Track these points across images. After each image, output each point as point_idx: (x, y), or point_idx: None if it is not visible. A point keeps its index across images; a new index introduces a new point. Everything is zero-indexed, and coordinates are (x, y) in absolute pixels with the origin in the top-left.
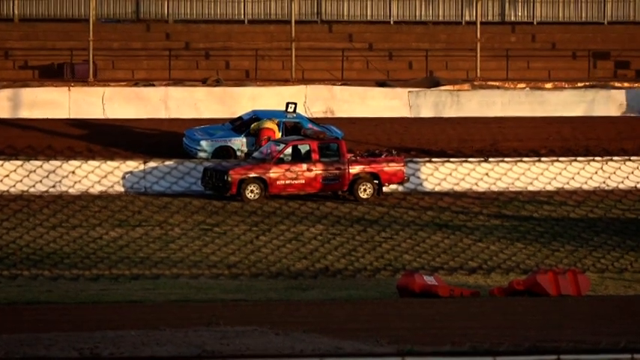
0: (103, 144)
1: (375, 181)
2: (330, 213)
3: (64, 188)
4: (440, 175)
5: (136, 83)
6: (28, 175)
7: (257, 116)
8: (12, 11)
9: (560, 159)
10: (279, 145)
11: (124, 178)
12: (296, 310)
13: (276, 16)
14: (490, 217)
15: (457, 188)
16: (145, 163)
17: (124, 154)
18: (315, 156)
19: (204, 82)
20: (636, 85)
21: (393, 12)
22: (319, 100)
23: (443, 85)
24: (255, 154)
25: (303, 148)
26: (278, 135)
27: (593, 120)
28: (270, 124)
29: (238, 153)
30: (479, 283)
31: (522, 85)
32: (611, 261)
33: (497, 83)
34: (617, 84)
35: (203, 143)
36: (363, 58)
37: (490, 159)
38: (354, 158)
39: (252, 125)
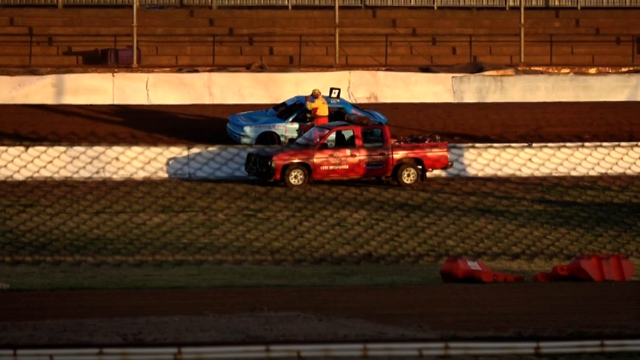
0: (146, 130)
1: (419, 167)
2: (373, 198)
3: (107, 174)
4: (483, 161)
5: (180, 69)
6: (71, 162)
7: (300, 102)
8: None
9: (604, 144)
10: (322, 131)
11: (167, 164)
12: (339, 295)
13: (320, 2)
14: (533, 202)
15: (500, 173)
16: (188, 149)
17: (168, 140)
18: (358, 141)
19: (247, 68)
20: None
21: None
22: (363, 86)
23: (486, 70)
24: (299, 139)
25: (347, 133)
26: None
27: (636, 105)
28: (322, 106)
29: (282, 139)
30: (522, 268)
31: (566, 70)
32: None
33: (540, 68)
34: None
35: (247, 129)
36: (407, 43)
37: (533, 144)
38: (397, 143)
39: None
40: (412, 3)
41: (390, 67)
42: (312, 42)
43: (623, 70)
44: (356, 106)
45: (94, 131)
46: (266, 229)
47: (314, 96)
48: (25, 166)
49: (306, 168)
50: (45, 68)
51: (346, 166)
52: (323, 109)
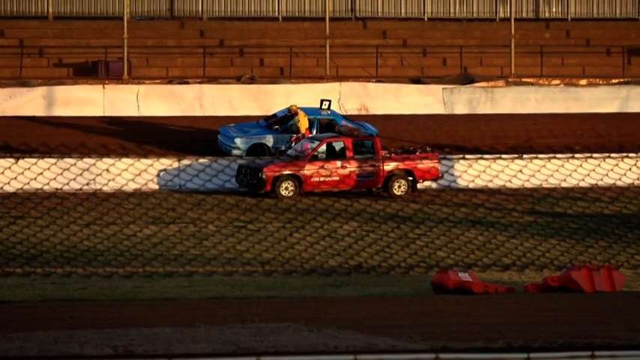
0: (137, 141)
1: (410, 178)
2: (364, 210)
3: (98, 186)
4: (474, 172)
5: (171, 81)
6: (61, 173)
7: (291, 113)
8: (46, 9)
9: (594, 155)
10: (313, 143)
11: (158, 175)
12: (330, 306)
13: (311, 13)
14: (524, 213)
15: (491, 185)
16: (179, 160)
17: (158, 152)
18: (349, 153)
19: (238, 80)
20: None
21: (427, 9)
22: (353, 97)
23: (477, 81)
24: (290, 151)
25: (338, 145)
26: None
27: (627, 116)
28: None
29: (273, 150)
30: (513, 279)
31: (557, 81)
32: None
33: (531, 80)
34: None
35: (237, 140)
36: (397, 54)
37: (524, 155)
38: (388, 155)
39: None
40: (402, 14)
41: (380, 79)
42: (303, 53)
43: (614, 81)
44: (347, 117)
45: (84, 143)
46: (257, 241)
47: (291, 112)
48: (15, 178)
49: (297, 179)
50: (35, 80)
51: (337, 178)
52: (304, 123)
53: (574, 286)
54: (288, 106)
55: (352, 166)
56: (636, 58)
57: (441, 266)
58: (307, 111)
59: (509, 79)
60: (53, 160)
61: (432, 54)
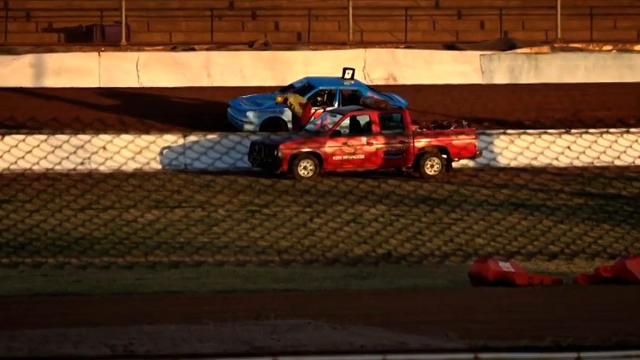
0: (137, 116)
1: (444, 156)
2: (392, 191)
3: (93, 165)
4: (516, 149)
5: (174, 47)
6: (53, 151)
7: (310, 84)
8: None
9: None
10: (335, 116)
11: (161, 153)
12: (355, 300)
13: None
14: (573, 195)
15: (535, 163)
16: (184, 136)
17: (161, 127)
18: (375, 128)
19: (250, 46)
20: None
21: None
22: (380, 65)
23: (519, 47)
24: (309, 126)
25: (363, 119)
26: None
27: None
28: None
29: (289, 125)
30: (561, 269)
31: (608, 47)
32: None
33: (580, 45)
34: None
35: (250, 114)
36: (429, 17)
37: (572, 130)
38: (419, 130)
39: (281, 97)
40: None
41: (410, 45)
42: (323, 16)
43: None
44: (372, 88)
45: (78, 117)
46: (272, 227)
47: (279, 104)
48: (0, 157)
49: (317, 158)
50: (22, 47)
51: (362, 156)
52: (296, 103)
53: (629, 276)
54: (305, 75)
55: (379, 143)
56: None
57: (479, 255)
58: (328, 81)
59: (555, 45)
60: (43, 137)
61: (468, 16)
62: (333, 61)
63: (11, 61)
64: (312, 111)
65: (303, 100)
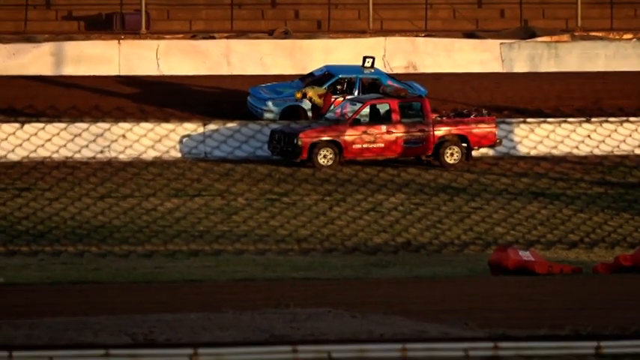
0: (157, 104)
1: (463, 145)
2: (412, 180)
3: (113, 154)
4: (536, 138)
5: (194, 35)
6: (72, 140)
7: (330, 72)
8: None
9: None
10: (355, 105)
11: (180, 142)
12: (375, 289)
13: None
14: (593, 184)
15: (555, 152)
16: (204, 125)
17: (181, 116)
18: (395, 116)
19: (270, 34)
20: None
21: None
22: (400, 54)
23: (539, 35)
24: (329, 114)
25: (382, 107)
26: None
27: None
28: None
29: (309, 113)
30: (580, 258)
31: (629, 35)
32: None
33: (600, 34)
34: None
35: (270, 103)
36: (449, 5)
37: (592, 119)
38: (439, 119)
39: (299, 93)
40: None
41: (430, 33)
42: (343, 4)
43: None
44: (392, 76)
45: (98, 105)
46: (292, 215)
47: (299, 99)
48: (20, 145)
49: (337, 146)
50: (42, 35)
51: (382, 144)
52: (315, 96)
53: None
54: (325, 64)
55: (399, 131)
56: None
57: (499, 244)
58: (348, 69)
59: (576, 33)
60: (63, 125)
61: (488, 5)
62: (353, 49)
63: (31, 50)
64: (332, 99)
65: (322, 90)
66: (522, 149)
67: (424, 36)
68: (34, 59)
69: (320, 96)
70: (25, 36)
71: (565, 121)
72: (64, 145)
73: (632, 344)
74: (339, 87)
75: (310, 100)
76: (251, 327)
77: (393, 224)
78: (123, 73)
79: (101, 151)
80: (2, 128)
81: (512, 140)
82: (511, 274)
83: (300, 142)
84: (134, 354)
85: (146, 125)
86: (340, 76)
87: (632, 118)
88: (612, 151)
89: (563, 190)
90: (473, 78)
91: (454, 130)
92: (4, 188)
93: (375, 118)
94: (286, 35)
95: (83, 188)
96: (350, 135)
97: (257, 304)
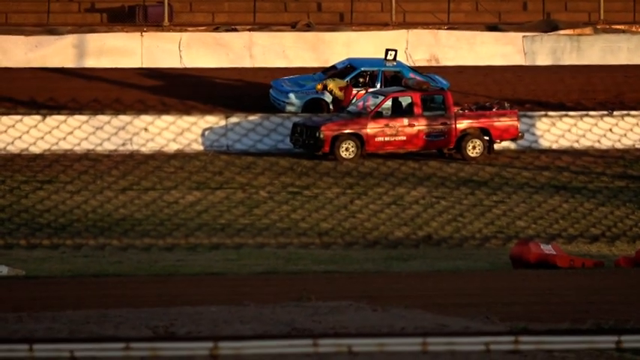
0: (179, 97)
1: (485, 138)
2: (433, 174)
3: (135, 147)
4: (558, 131)
5: (217, 28)
6: (94, 132)
7: (352, 65)
8: None
9: None
10: (377, 98)
11: (202, 135)
12: (396, 282)
13: None
14: (614, 177)
15: (577, 145)
16: (226, 118)
17: (203, 108)
18: (417, 109)
19: (293, 27)
20: None
21: None
22: (422, 47)
23: (561, 28)
24: (351, 107)
25: (404, 100)
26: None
27: None
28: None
29: (331, 106)
30: (602, 252)
31: None
32: None
33: (623, 27)
34: None
35: (292, 95)
36: None
37: (615, 112)
38: (461, 112)
39: (320, 85)
40: None
41: (452, 26)
42: None
43: None
44: (414, 69)
45: (119, 98)
46: (313, 209)
47: (319, 92)
48: (42, 138)
49: (359, 139)
50: (65, 27)
51: (403, 137)
52: (337, 88)
53: None
54: (347, 56)
55: (421, 125)
56: None
57: (520, 237)
58: (370, 62)
59: (598, 26)
60: (84, 118)
61: None
62: (376, 42)
63: (53, 42)
64: (354, 92)
65: (343, 83)
66: (544, 143)
67: (446, 29)
68: (56, 51)
69: (341, 89)
70: (48, 28)
71: (587, 115)
72: (86, 138)
73: None
74: (361, 80)
75: (331, 92)
76: (272, 320)
77: (414, 218)
78: (145, 65)
79: (123, 144)
80: (24, 121)
81: (533, 134)
82: (532, 267)
83: (322, 135)
84: (154, 347)
85: (168, 118)
86: (362, 68)
87: None
88: (634, 145)
89: (584, 183)
90: (495, 71)
91: (476, 123)
92: (25, 181)
93: (397, 111)
94: (309, 28)
95: (105, 181)
96: (372, 128)
97: (278, 297)
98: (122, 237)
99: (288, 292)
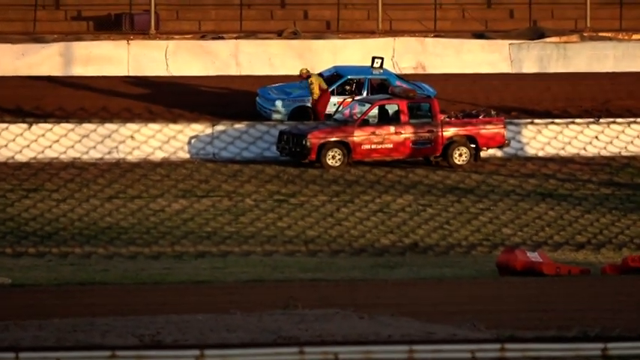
0: (165, 104)
1: (472, 145)
2: (420, 181)
3: (121, 155)
4: (544, 139)
5: (203, 36)
6: (80, 141)
7: (339, 73)
8: None
9: None
10: (363, 106)
11: (189, 143)
12: (382, 290)
13: None
14: (600, 185)
15: (563, 153)
16: (212, 126)
17: (189, 116)
18: (403, 117)
19: (279, 35)
20: None
21: None
22: (409, 54)
23: (548, 36)
24: (337, 115)
25: (391, 108)
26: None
27: None
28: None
29: (309, 103)
30: (588, 259)
31: (638, 36)
32: None
33: (609, 34)
34: None
35: (278, 103)
36: (458, 6)
37: (601, 120)
38: (447, 119)
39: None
40: None
41: (439, 33)
42: (352, 5)
43: None
44: (401, 77)
45: (106, 106)
46: (300, 216)
47: (302, 77)
48: (28, 146)
49: (345, 147)
50: (51, 35)
51: (390, 145)
52: (316, 87)
53: None
54: (334, 64)
55: (407, 132)
56: None
57: (506, 245)
58: (357, 70)
59: (585, 34)
60: (71, 126)
61: (498, 5)
62: (362, 49)
63: (40, 50)
64: (340, 100)
65: (325, 85)
66: (530, 150)
67: (433, 36)
68: (42, 60)
69: (320, 88)
70: (34, 36)
71: (573, 122)
72: (72, 146)
73: (639, 346)
74: (347, 87)
75: (310, 84)
76: (259, 328)
77: (401, 225)
78: (132, 73)
79: (109, 152)
80: (10, 129)
81: (520, 141)
82: (519, 275)
83: (308, 143)
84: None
85: (154, 126)
86: (349, 76)
87: (639, 119)
88: (620, 152)
89: (570, 191)
90: (481, 78)
91: (462, 131)
92: (11, 189)
93: (384, 118)
94: (295, 36)
95: (91, 189)
96: (358, 136)
97: (265, 305)
98: (108, 245)
99: (274, 300)
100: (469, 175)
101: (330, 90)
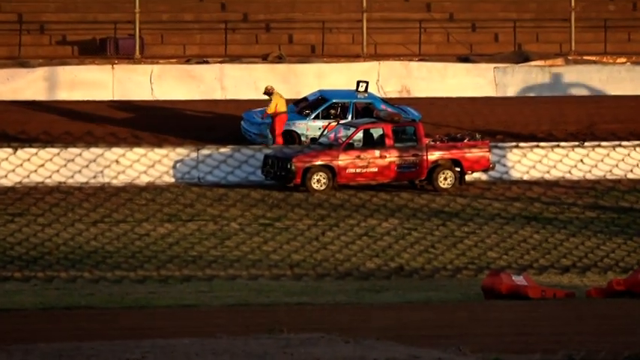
0: (150, 129)
1: (457, 169)
2: (405, 205)
3: (106, 179)
4: (529, 162)
5: (188, 60)
6: (65, 165)
7: (324, 97)
8: None
9: None
10: (348, 129)
11: (174, 167)
12: (367, 314)
13: None
14: (585, 208)
15: (548, 176)
16: (197, 150)
17: (175, 141)
18: (388, 141)
19: (264, 59)
20: None
21: None
22: (394, 78)
23: (533, 59)
24: (322, 139)
25: (376, 132)
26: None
27: None
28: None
29: (303, 138)
30: (574, 282)
31: (622, 59)
32: None
33: (594, 58)
34: None
35: (263, 127)
36: (443, 30)
37: (586, 143)
38: (432, 143)
39: (270, 86)
40: None
41: (424, 57)
42: (337, 29)
43: None
44: (386, 101)
45: (91, 131)
46: (285, 240)
47: (267, 93)
48: (13, 171)
49: (330, 171)
50: (36, 60)
51: (375, 169)
52: (282, 104)
53: None
54: (319, 88)
55: (392, 156)
56: None
57: (492, 268)
58: (342, 94)
59: (569, 57)
60: (56, 151)
61: (482, 29)
62: (347, 73)
63: (25, 74)
64: (325, 124)
65: (285, 108)
66: (515, 174)
67: (418, 60)
68: (27, 84)
69: (276, 108)
70: (19, 61)
71: (558, 146)
72: (57, 171)
73: None
74: (332, 111)
75: (270, 99)
76: (244, 352)
77: (386, 249)
78: (117, 97)
79: (94, 177)
80: None
81: (505, 165)
82: (504, 298)
83: (293, 167)
84: None
85: (139, 150)
86: (334, 100)
87: (624, 143)
88: (605, 176)
89: (555, 214)
90: (467, 102)
91: (447, 154)
92: None
93: (369, 142)
94: (280, 60)
95: (76, 214)
96: (343, 160)
97: (250, 329)
98: (94, 269)
99: (260, 324)
100: (454, 198)
101: (315, 114)
